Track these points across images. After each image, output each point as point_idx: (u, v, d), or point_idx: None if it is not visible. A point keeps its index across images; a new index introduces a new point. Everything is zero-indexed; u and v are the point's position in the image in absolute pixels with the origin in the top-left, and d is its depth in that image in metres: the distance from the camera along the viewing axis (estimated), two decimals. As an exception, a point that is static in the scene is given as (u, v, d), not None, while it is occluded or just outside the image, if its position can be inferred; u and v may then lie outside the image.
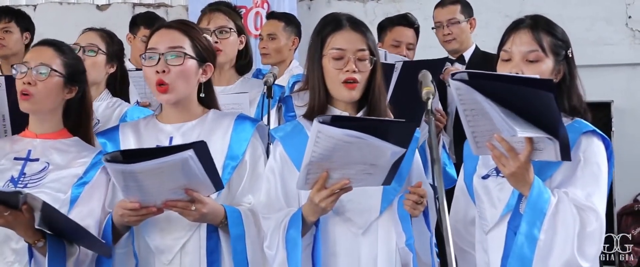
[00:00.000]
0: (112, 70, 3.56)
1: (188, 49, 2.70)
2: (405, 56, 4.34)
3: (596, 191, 2.45)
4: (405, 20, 4.57)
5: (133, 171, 2.38)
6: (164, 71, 2.66)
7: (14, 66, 2.80)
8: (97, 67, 3.50)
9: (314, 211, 2.54)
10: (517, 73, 2.53)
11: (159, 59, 2.67)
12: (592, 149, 2.49)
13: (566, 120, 2.54)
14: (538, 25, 2.56)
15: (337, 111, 2.72)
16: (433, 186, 2.70)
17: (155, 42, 2.71)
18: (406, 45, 4.44)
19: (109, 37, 3.59)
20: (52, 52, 2.79)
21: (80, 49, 3.46)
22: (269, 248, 2.61)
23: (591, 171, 2.47)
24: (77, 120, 2.83)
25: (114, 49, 3.57)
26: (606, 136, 2.55)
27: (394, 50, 4.32)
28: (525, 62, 2.54)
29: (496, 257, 2.52)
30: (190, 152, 2.36)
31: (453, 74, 2.32)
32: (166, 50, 2.68)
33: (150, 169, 2.38)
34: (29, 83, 2.72)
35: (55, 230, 2.55)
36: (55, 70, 2.75)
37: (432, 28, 4.58)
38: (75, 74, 2.81)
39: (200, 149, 2.39)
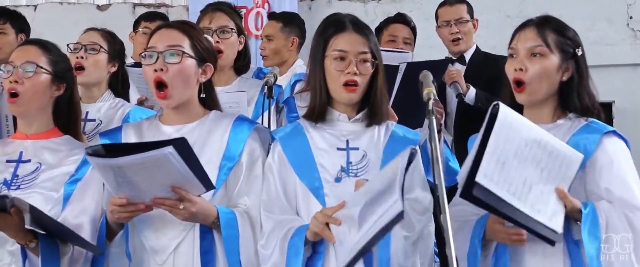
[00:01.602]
0: (113, 69, 3.55)
1: (187, 48, 2.69)
2: (402, 50, 4.35)
3: (636, 188, 2.49)
4: (401, 18, 4.57)
5: (114, 165, 2.37)
6: (162, 69, 2.65)
7: (0, 67, 2.79)
8: (99, 66, 3.49)
9: (311, 227, 2.53)
10: (521, 69, 2.55)
11: (158, 57, 2.66)
12: (618, 148, 2.53)
13: (580, 122, 2.57)
14: (545, 23, 2.59)
15: (336, 113, 2.74)
16: (433, 185, 2.69)
17: (154, 41, 2.71)
18: (402, 40, 4.42)
19: (111, 37, 3.59)
20: (37, 50, 2.79)
21: (82, 48, 3.45)
22: (264, 248, 2.61)
23: (625, 170, 2.51)
24: (66, 118, 2.83)
25: (116, 49, 3.57)
26: (624, 136, 2.59)
27: (391, 45, 4.32)
28: (529, 57, 2.56)
29: (516, 255, 2.53)
30: (169, 149, 2.35)
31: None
32: (165, 48, 2.67)
33: (131, 164, 2.36)
34: (16, 81, 2.72)
35: (46, 229, 2.54)
36: (42, 67, 2.75)
37: (438, 27, 4.57)
38: (62, 71, 2.81)
39: (181, 145, 2.38)
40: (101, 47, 3.49)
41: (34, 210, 2.46)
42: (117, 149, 2.41)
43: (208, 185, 2.51)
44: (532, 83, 2.55)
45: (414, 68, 3.48)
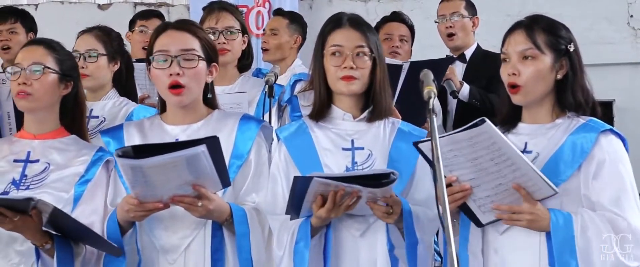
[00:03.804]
0: (116, 67, 3.55)
1: (199, 51, 2.70)
2: (398, 48, 4.35)
3: (622, 194, 2.47)
4: (397, 17, 4.59)
5: (144, 166, 2.37)
6: (178, 74, 2.65)
7: (6, 69, 2.79)
8: (101, 70, 3.49)
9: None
10: (514, 74, 2.55)
11: (172, 61, 2.66)
12: (614, 148, 2.52)
13: (578, 121, 2.56)
14: (533, 24, 2.58)
15: (340, 112, 2.74)
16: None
17: (165, 44, 2.69)
18: (398, 37, 4.44)
19: (106, 35, 3.56)
20: (43, 50, 2.79)
21: (80, 57, 3.44)
22: (278, 248, 2.64)
23: (617, 172, 2.49)
24: (72, 116, 2.83)
25: (114, 46, 3.55)
26: (622, 135, 2.57)
27: (387, 44, 4.33)
28: (521, 61, 2.56)
29: (513, 257, 2.54)
30: (202, 148, 2.37)
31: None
32: (178, 52, 2.67)
33: (162, 164, 2.37)
34: (25, 83, 2.72)
35: (61, 230, 2.56)
36: (49, 68, 2.75)
37: (435, 21, 4.58)
38: (68, 70, 2.81)
39: (213, 144, 2.40)
40: (99, 52, 3.47)
41: (56, 212, 2.47)
42: (147, 149, 2.41)
43: (226, 183, 2.52)
44: (527, 86, 2.55)
45: (417, 67, 3.48)
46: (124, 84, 3.57)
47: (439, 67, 3.75)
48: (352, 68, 2.67)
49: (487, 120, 2.34)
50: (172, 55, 2.66)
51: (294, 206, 2.55)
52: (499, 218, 2.49)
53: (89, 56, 3.45)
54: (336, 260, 2.66)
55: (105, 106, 3.47)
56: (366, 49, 2.70)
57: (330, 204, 2.50)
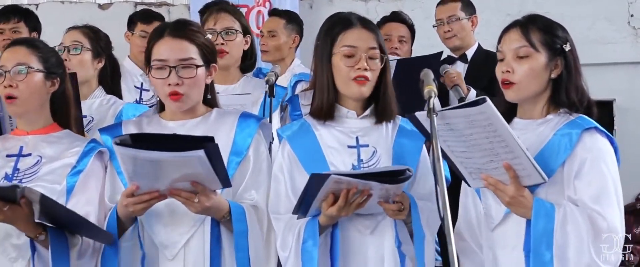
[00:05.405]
0: (100, 65, 3.56)
1: (197, 58, 2.69)
2: (397, 49, 4.35)
3: (603, 193, 2.47)
4: (396, 17, 4.58)
5: (145, 158, 2.38)
6: (177, 84, 2.65)
7: None
8: (84, 64, 3.50)
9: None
10: (508, 71, 2.56)
11: (170, 71, 2.66)
12: (598, 146, 2.51)
13: (567, 117, 2.56)
14: (529, 22, 2.60)
15: (344, 110, 2.75)
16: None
17: (162, 53, 2.68)
18: (397, 38, 4.44)
19: (93, 33, 3.57)
20: (25, 50, 2.78)
21: (65, 49, 3.44)
22: (282, 249, 2.65)
23: (599, 171, 2.48)
24: (60, 112, 2.83)
25: (100, 44, 3.56)
26: (609, 133, 2.56)
27: (386, 44, 4.31)
28: (516, 59, 2.57)
29: (502, 253, 2.56)
30: (200, 153, 2.36)
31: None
32: (177, 62, 2.66)
33: (160, 159, 2.38)
34: (11, 86, 2.71)
35: (55, 222, 2.56)
36: (33, 67, 2.74)
37: (433, 26, 4.58)
38: (53, 66, 2.80)
39: (211, 150, 2.39)
40: (83, 46, 3.48)
41: (45, 199, 2.46)
42: (145, 139, 2.42)
43: (226, 183, 2.53)
44: (521, 83, 2.56)
45: (405, 65, 3.48)
46: (110, 85, 3.57)
47: (429, 63, 3.75)
48: (365, 69, 2.67)
49: (488, 100, 2.34)
50: (170, 65, 2.66)
51: (304, 205, 2.55)
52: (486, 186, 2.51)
53: (74, 49, 3.47)
54: (344, 258, 2.66)
55: (93, 105, 3.48)
56: (378, 51, 2.71)
57: (343, 201, 2.51)
